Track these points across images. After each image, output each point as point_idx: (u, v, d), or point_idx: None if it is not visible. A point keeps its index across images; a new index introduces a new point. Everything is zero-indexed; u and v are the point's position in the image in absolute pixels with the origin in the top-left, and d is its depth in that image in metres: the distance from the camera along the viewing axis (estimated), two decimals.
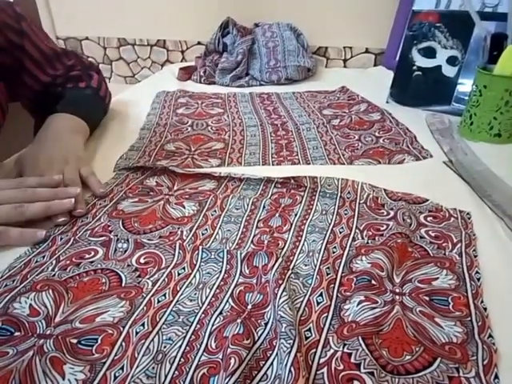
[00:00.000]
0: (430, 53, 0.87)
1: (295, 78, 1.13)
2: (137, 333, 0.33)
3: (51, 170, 0.53)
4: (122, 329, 0.34)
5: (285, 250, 0.44)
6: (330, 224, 0.48)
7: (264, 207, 0.51)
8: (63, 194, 0.49)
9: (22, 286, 0.38)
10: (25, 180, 0.50)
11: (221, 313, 0.35)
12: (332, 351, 0.32)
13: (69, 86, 0.72)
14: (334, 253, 0.43)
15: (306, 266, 0.41)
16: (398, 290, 0.38)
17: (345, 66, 1.33)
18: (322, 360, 0.31)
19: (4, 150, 0.65)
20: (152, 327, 0.34)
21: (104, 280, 0.39)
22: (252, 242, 0.45)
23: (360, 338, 0.32)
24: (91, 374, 0.30)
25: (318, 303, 0.36)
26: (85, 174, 0.55)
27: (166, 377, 0.30)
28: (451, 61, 0.85)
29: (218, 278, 0.40)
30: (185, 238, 0.46)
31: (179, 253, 0.43)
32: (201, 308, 0.36)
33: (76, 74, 0.73)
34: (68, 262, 0.42)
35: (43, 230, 0.45)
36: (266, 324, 0.34)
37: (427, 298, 0.37)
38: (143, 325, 0.34)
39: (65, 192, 0.50)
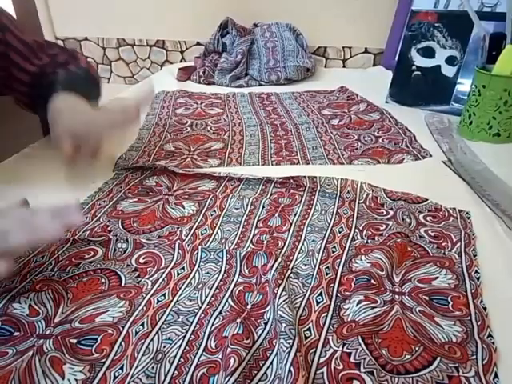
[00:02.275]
0: (428, 53, 0.87)
1: (294, 78, 1.13)
2: (136, 333, 0.33)
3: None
4: (121, 329, 0.34)
5: (284, 249, 0.44)
6: (329, 224, 0.48)
7: (263, 207, 0.51)
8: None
9: (22, 286, 0.38)
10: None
11: (220, 312, 0.35)
12: (332, 351, 0.32)
13: (59, 71, 0.72)
14: (333, 252, 0.43)
15: (305, 265, 0.41)
16: (397, 290, 0.38)
17: (344, 66, 1.33)
18: (321, 359, 0.31)
19: (3, 150, 0.65)
20: (151, 327, 0.34)
21: (103, 280, 0.39)
22: (251, 241, 0.45)
23: (359, 337, 0.32)
24: (91, 374, 0.30)
25: (318, 303, 0.36)
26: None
27: (165, 376, 0.30)
28: (450, 61, 0.85)
29: (217, 277, 0.40)
30: (184, 237, 0.46)
31: (179, 253, 0.43)
32: (200, 308, 0.36)
33: (63, 59, 0.74)
34: (67, 262, 0.41)
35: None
36: (266, 324, 0.34)
37: (427, 298, 0.37)
38: (143, 325, 0.34)
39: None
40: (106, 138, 0.54)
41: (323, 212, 0.50)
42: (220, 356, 0.31)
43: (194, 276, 0.40)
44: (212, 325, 0.34)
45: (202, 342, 0.33)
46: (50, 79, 0.69)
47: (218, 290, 0.38)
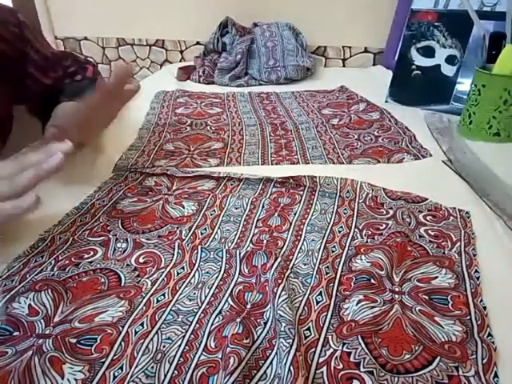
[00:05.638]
0: (428, 52, 0.87)
1: (294, 78, 1.13)
2: (136, 332, 0.33)
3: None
4: (121, 328, 0.34)
5: (284, 249, 0.44)
6: (329, 223, 0.48)
7: (263, 207, 0.51)
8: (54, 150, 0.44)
9: (21, 285, 0.38)
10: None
11: (220, 312, 0.35)
12: (331, 350, 0.32)
13: (66, 82, 0.74)
14: (333, 252, 0.43)
15: (305, 265, 0.41)
16: (397, 289, 0.38)
17: (344, 66, 1.33)
18: (321, 359, 0.31)
19: (5, 150, 0.65)
20: (151, 327, 0.34)
21: (103, 280, 0.39)
22: (251, 241, 0.45)
23: (359, 337, 0.32)
24: (90, 374, 0.30)
25: (318, 302, 0.36)
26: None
27: (165, 376, 0.30)
28: (450, 60, 0.85)
29: (217, 277, 0.40)
30: (184, 237, 0.46)
31: (178, 252, 0.43)
32: (200, 307, 0.36)
33: (72, 70, 0.77)
34: (67, 261, 0.41)
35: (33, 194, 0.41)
36: (266, 323, 0.34)
37: (426, 297, 0.37)
38: (142, 324, 0.34)
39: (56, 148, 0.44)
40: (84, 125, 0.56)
41: (323, 211, 0.50)
42: (220, 356, 0.31)
43: (194, 276, 0.40)
44: (212, 324, 0.34)
45: (201, 342, 0.33)
46: (58, 91, 0.72)
47: (217, 290, 0.38)
